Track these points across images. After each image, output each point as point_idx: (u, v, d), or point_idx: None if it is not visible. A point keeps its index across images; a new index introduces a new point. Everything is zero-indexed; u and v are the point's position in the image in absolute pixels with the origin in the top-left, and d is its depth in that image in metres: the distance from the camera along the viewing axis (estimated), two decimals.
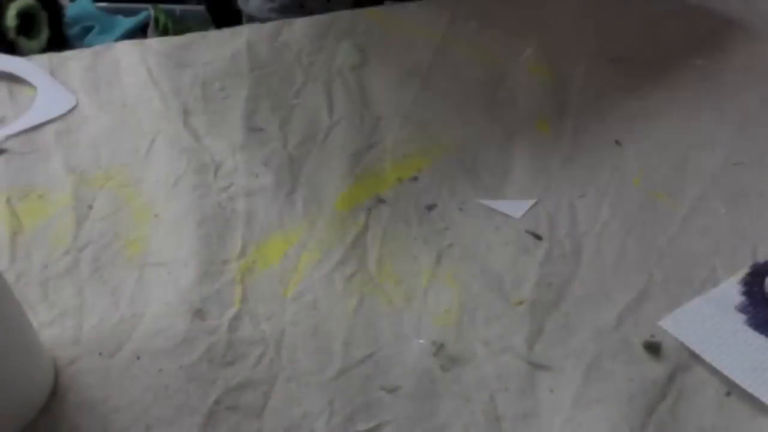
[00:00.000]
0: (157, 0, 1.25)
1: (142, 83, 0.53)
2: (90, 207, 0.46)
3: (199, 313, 0.40)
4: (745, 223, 0.43)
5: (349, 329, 0.39)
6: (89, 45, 1.16)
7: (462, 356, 0.38)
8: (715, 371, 0.36)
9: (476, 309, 0.40)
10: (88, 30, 1.23)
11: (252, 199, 0.46)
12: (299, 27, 0.59)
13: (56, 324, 0.40)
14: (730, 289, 0.39)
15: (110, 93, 0.53)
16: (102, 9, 1.26)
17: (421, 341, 0.39)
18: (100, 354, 0.39)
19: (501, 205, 0.45)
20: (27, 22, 1.25)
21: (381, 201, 0.46)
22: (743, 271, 0.40)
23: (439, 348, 0.38)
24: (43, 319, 0.40)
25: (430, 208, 0.45)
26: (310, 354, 0.38)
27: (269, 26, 0.59)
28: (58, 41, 1.30)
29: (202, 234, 0.44)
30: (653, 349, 0.37)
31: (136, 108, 0.52)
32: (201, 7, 1.19)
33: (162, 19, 1.21)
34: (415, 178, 0.47)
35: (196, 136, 0.50)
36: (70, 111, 0.52)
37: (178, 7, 1.25)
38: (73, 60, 0.56)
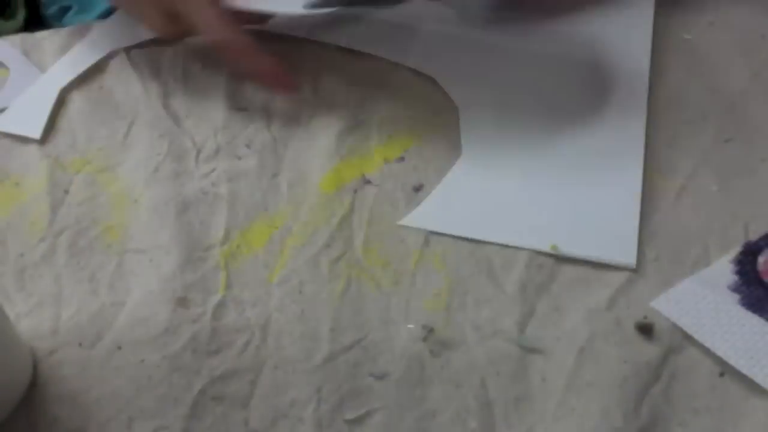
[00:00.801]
0: None
1: (119, 64, 0.52)
2: (66, 192, 0.45)
3: (182, 301, 0.39)
4: (737, 201, 0.43)
5: (336, 314, 0.38)
6: (67, 25, 1.14)
7: (452, 341, 0.37)
8: (708, 352, 0.36)
9: (466, 292, 0.39)
10: (66, 10, 1.20)
11: (235, 182, 0.45)
12: None
13: (34, 314, 0.39)
14: (723, 269, 0.39)
15: (86, 74, 0.51)
16: None
17: (410, 326, 0.38)
18: (80, 344, 0.38)
19: None
20: (2, 2, 1.22)
21: (367, 182, 0.45)
22: (735, 250, 0.40)
23: (428, 333, 0.37)
24: (20, 310, 0.39)
25: (417, 189, 0.44)
26: (297, 340, 0.37)
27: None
28: (35, 21, 1.27)
29: (184, 220, 0.42)
30: (646, 330, 0.37)
31: (114, 90, 0.50)
32: None
33: None
34: (402, 159, 0.46)
35: (177, 118, 0.48)
36: None
37: None
38: (47, 40, 0.54)
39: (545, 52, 0.52)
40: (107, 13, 0.89)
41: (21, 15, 1.36)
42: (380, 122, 0.48)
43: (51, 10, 1.05)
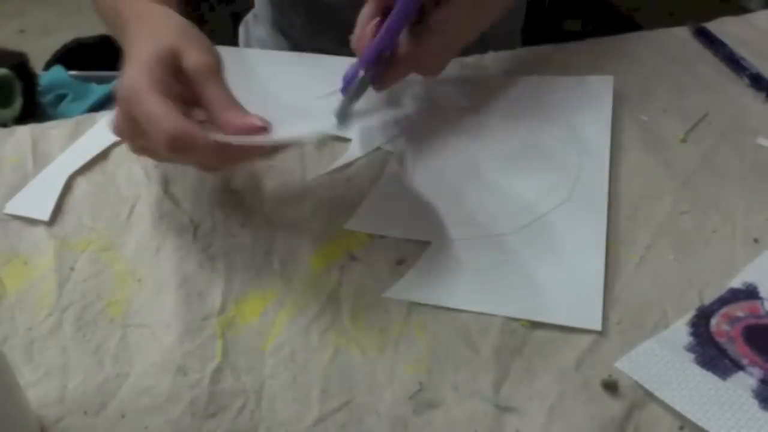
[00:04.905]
0: None
1: (122, 152, 0.56)
2: (72, 269, 0.48)
3: (181, 369, 0.41)
4: (692, 270, 0.46)
5: (326, 380, 0.41)
6: (63, 112, 1.18)
7: (433, 401, 0.40)
8: (668, 407, 0.39)
9: (445, 356, 0.42)
10: (61, 98, 1.25)
11: (231, 258, 0.48)
12: None
13: (41, 384, 0.42)
14: (679, 331, 0.42)
15: (91, 161, 0.55)
16: (75, 77, 1.29)
17: (393, 389, 0.41)
18: (85, 413, 0.40)
19: None
20: (1, 90, 1.27)
21: (353, 258, 0.48)
22: (691, 314, 0.43)
23: (411, 394, 0.40)
24: (28, 380, 0.42)
25: (399, 263, 0.48)
26: (289, 404, 0.40)
27: None
28: (32, 109, 1.32)
29: (183, 294, 0.46)
30: (611, 388, 0.40)
31: (117, 176, 0.54)
32: None
33: None
34: (385, 235, 0.49)
35: (176, 201, 0.52)
36: None
37: None
38: (54, 130, 0.59)
39: (514, 139, 0.56)
40: (101, 102, 0.94)
41: (18, 103, 1.41)
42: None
43: (47, 98, 1.10)
